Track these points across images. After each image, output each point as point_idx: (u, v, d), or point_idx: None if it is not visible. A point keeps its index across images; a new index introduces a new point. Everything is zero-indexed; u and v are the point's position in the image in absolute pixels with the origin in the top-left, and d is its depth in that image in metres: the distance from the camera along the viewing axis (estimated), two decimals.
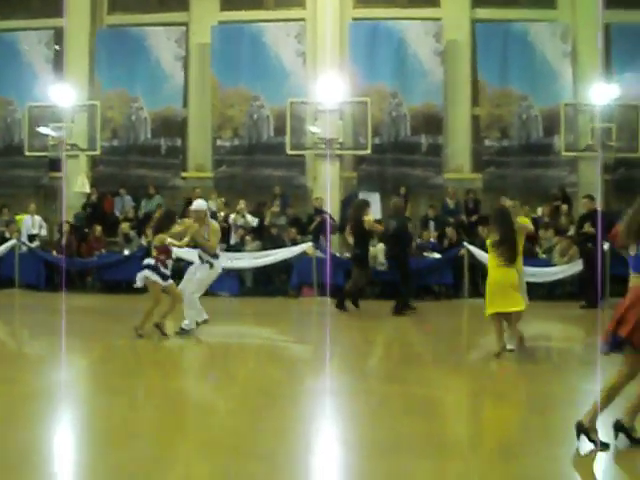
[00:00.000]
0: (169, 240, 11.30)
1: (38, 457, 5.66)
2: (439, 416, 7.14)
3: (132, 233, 18.52)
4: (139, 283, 11.41)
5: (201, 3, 20.82)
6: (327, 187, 18.62)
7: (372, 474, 5.40)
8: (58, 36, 20.77)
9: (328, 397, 7.88)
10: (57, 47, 20.86)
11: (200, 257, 11.78)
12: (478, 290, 16.58)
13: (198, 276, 11.65)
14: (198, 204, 11.85)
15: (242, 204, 18.70)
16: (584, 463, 5.80)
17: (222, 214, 18.82)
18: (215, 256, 11.70)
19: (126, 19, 21.11)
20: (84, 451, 5.84)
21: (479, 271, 15.73)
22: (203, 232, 11.59)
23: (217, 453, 5.74)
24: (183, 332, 11.52)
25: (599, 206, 16.66)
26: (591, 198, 16.73)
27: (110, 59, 20.55)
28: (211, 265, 11.61)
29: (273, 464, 5.58)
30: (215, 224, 12.03)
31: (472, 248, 16.64)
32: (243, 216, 18.51)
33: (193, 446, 5.93)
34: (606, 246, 16.59)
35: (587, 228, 15.81)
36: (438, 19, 20.37)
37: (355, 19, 20.50)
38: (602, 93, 18.97)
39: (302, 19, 20.52)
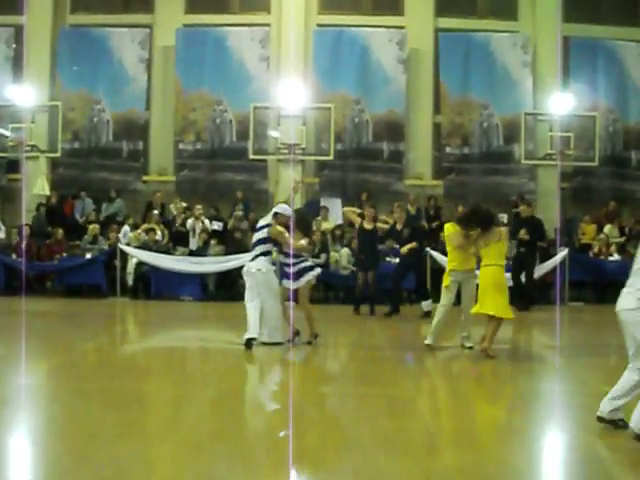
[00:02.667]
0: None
1: (12, 463, 5.59)
2: (411, 415, 7.22)
3: (100, 236, 18.31)
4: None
5: (166, 5, 20.76)
6: (291, 193, 18.60)
7: (354, 474, 5.44)
8: (18, 34, 20.38)
9: (302, 399, 7.92)
10: (14, 45, 20.49)
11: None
12: (439, 295, 16.76)
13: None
14: (285, 208, 11.26)
15: (200, 209, 18.60)
16: (559, 457, 5.95)
17: (181, 219, 18.76)
18: None
19: (89, 19, 20.93)
20: (62, 455, 5.74)
21: (440, 276, 15.86)
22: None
23: (197, 455, 5.72)
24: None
25: (557, 213, 17.02)
26: (529, 205, 17.04)
27: (72, 59, 20.37)
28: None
29: (254, 465, 5.60)
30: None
31: (434, 253, 16.81)
32: (202, 221, 18.43)
33: (171, 449, 5.90)
34: (565, 252, 16.96)
35: (522, 235, 16.02)
36: (402, 27, 20.62)
37: (320, 25, 20.64)
38: (561, 103, 19.36)
39: (267, 24, 20.59)
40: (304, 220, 11.31)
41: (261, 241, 11.04)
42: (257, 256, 11.01)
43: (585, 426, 6.65)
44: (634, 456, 5.80)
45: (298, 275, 10.81)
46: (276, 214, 11.09)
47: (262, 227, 11.17)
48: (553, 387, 8.83)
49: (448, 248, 10.91)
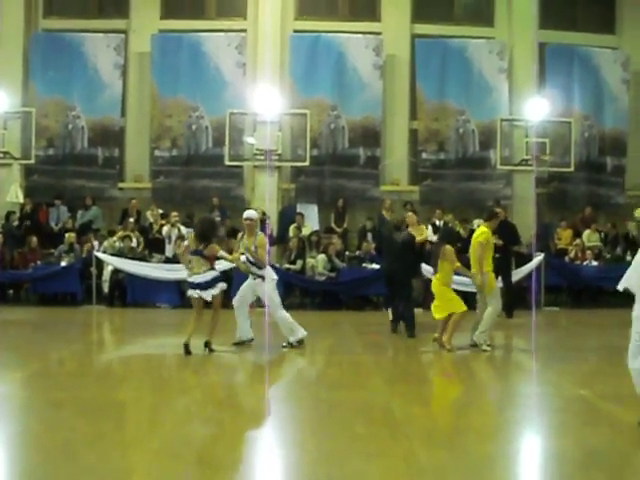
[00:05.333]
0: (221, 253, 10.92)
1: None
2: (386, 420, 7.20)
3: (77, 244, 18.10)
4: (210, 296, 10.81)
5: (141, 11, 20.57)
6: (268, 198, 18.61)
7: (327, 477, 5.42)
8: None
9: (278, 405, 7.89)
10: None
11: (252, 273, 11.24)
12: (416, 301, 16.76)
13: (266, 294, 11.07)
14: (250, 213, 11.35)
15: (175, 216, 18.49)
16: (534, 460, 5.96)
17: (157, 225, 18.67)
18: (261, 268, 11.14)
19: (63, 24, 20.68)
20: (35, 465, 5.65)
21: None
22: (252, 244, 11.06)
23: (172, 462, 5.67)
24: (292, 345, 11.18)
25: (533, 219, 17.05)
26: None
27: (46, 65, 20.10)
28: (262, 278, 11.08)
29: (230, 471, 5.56)
30: (262, 236, 11.21)
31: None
32: (178, 228, 18.32)
33: (148, 456, 5.84)
34: (541, 257, 17.02)
35: (495, 240, 15.79)
36: (378, 33, 20.65)
37: (296, 31, 20.60)
38: (537, 109, 19.45)
39: (243, 30, 20.50)
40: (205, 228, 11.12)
41: None
42: None
43: (560, 428, 6.66)
44: (608, 457, 5.81)
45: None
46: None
47: None
48: (528, 390, 8.85)
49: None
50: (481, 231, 11.56)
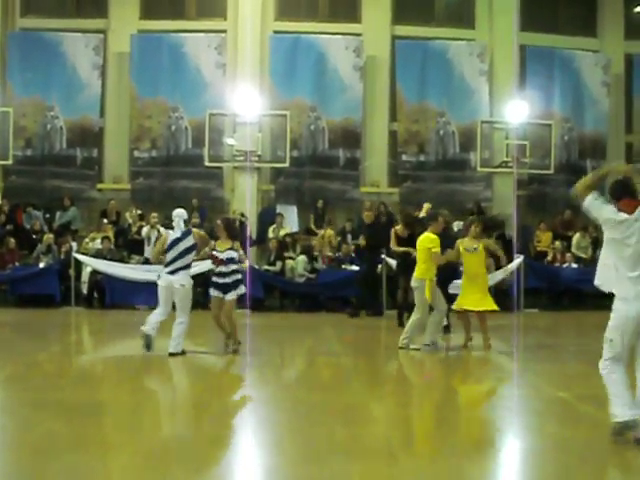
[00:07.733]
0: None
1: None
2: (366, 421, 7.17)
3: (54, 246, 17.93)
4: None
5: (120, 11, 20.43)
6: (247, 199, 18.56)
7: (306, 479, 5.38)
8: None
9: (257, 406, 7.85)
10: None
11: None
12: (396, 302, 16.74)
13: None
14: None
15: (155, 217, 18.38)
16: (512, 463, 5.94)
17: (136, 227, 18.55)
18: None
19: (41, 23, 20.52)
20: (13, 468, 5.57)
21: (396, 284, 15.83)
22: None
23: (151, 464, 5.62)
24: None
25: (514, 221, 17.11)
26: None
27: (23, 64, 19.94)
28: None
29: (209, 473, 5.52)
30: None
31: (390, 261, 16.75)
32: (158, 229, 18.21)
33: (126, 457, 5.79)
34: (520, 259, 17.07)
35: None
36: (358, 34, 20.63)
37: (276, 32, 20.56)
38: (517, 111, 19.53)
39: (223, 30, 20.42)
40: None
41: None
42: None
43: (539, 430, 6.65)
44: (587, 459, 5.80)
45: (233, 286, 10.67)
46: None
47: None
48: (508, 392, 8.86)
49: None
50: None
